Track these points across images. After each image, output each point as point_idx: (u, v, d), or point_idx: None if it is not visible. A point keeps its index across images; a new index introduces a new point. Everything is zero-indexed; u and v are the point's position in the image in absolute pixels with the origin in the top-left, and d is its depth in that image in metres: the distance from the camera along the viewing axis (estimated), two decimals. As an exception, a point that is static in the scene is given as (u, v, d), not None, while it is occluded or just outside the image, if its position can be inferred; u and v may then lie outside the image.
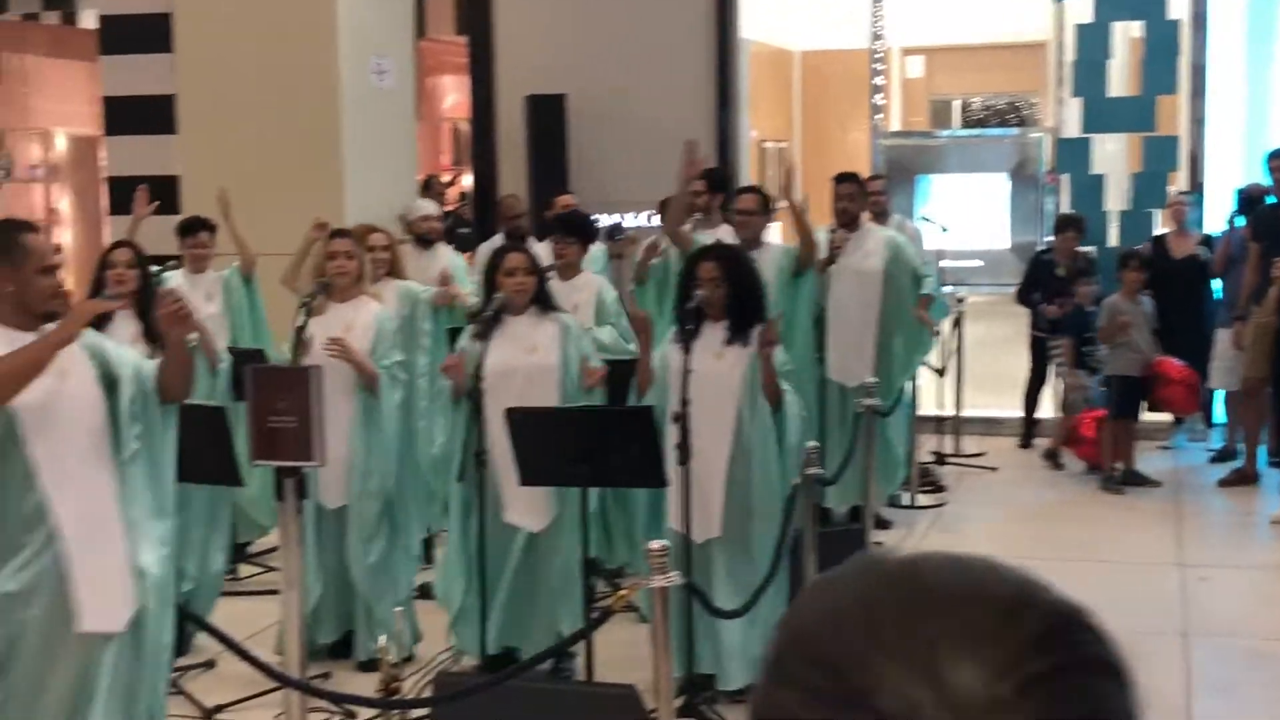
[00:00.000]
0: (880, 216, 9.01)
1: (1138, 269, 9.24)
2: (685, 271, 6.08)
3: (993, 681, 0.85)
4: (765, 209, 7.77)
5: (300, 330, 6.01)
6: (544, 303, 6.11)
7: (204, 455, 5.66)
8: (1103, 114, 10.98)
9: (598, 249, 9.14)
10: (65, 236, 14.61)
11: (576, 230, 7.97)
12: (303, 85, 8.91)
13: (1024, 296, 10.22)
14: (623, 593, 4.58)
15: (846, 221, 8.39)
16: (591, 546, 5.72)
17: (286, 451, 5.11)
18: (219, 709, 5.88)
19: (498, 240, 9.65)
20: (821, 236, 8.23)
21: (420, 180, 12.15)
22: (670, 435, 5.50)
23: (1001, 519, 8.84)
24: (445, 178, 15.02)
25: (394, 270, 7.49)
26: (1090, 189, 10.97)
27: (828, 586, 0.96)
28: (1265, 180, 9.74)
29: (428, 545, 7.38)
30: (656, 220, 9.91)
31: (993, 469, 9.97)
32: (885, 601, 0.90)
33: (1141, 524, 8.56)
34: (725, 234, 8.11)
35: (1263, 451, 9.33)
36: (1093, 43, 10.90)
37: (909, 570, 0.93)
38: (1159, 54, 10.84)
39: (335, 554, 6.37)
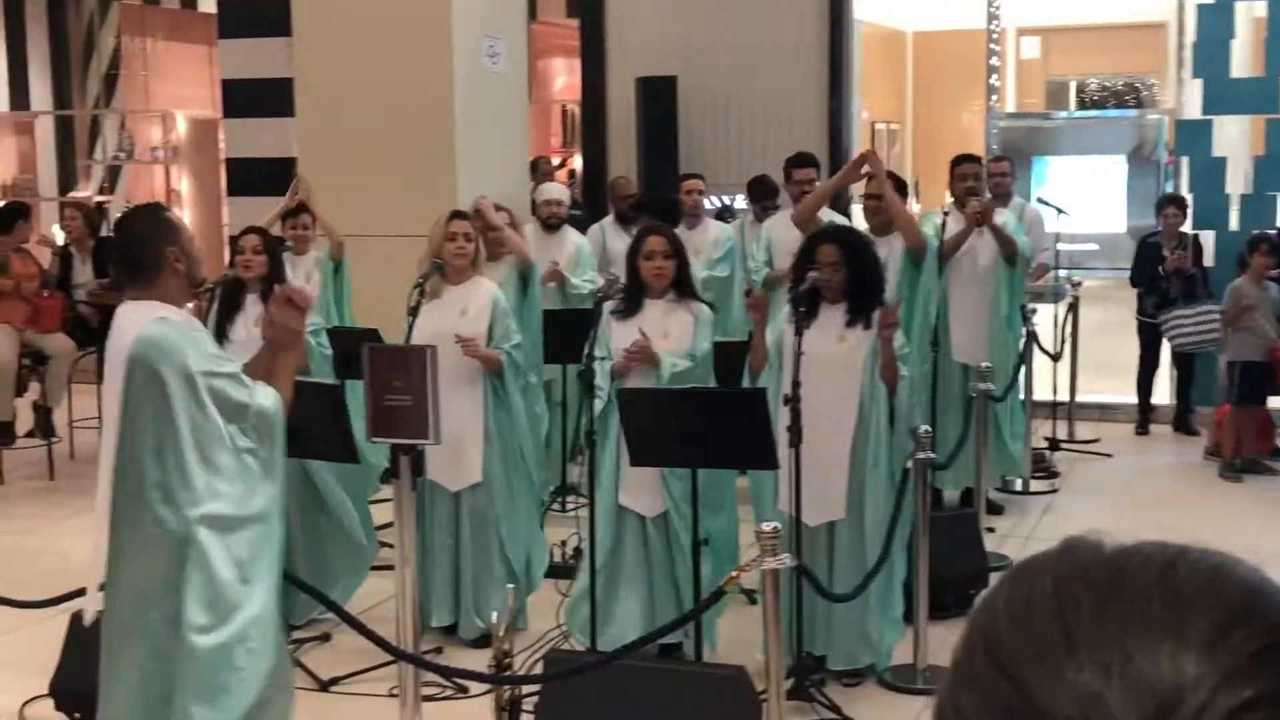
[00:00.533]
0: (1003, 199, 8.90)
1: (1265, 253, 9.08)
2: (802, 253, 6.02)
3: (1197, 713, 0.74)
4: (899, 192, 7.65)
5: (414, 310, 6.09)
6: (683, 288, 6.06)
7: (320, 432, 5.75)
8: (1225, 95, 10.77)
9: (724, 233, 9.18)
10: (185, 216, 14.85)
11: (664, 211, 8.00)
12: (417, 68, 8.98)
13: (1135, 280, 10.10)
14: (734, 575, 4.59)
15: (966, 203, 8.31)
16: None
17: (402, 429, 5.18)
18: (334, 681, 6.00)
19: (608, 221, 9.71)
20: (936, 220, 8.16)
21: (529, 162, 12.21)
22: (782, 417, 5.49)
23: (1115, 506, 8.71)
24: (555, 159, 15.06)
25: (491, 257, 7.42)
26: (1211, 172, 10.76)
27: (1024, 578, 0.85)
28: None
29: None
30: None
31: (1107, 455, 9.85)
32: (1082, 603, 0.80)
33: (1262, 512, 8.41)
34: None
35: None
36: (1215, 22, 10.69)
37: (1113, 566, 0.83)
38: (1285, 33, 10.61)
39: (452, 536, 6.45)
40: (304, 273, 8.05)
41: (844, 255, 5.84)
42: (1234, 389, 8.97)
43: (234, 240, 6.94)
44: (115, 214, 14.40)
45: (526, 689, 5.17)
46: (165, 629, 4.15)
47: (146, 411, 4.09)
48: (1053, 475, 9.39)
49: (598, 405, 5.81)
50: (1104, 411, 10.66)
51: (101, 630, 4.29)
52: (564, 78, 16.49)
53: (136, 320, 4.14)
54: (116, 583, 4.23)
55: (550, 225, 8.80)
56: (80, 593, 5.48)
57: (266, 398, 4.22)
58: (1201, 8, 10.78)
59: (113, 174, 15.70)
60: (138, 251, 4.22)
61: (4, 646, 6.31)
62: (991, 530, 7.86)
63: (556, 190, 9.28)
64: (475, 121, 9.14)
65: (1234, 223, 10.63)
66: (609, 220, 9.73)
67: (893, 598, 5.97)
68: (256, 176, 12.61)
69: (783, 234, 8.15)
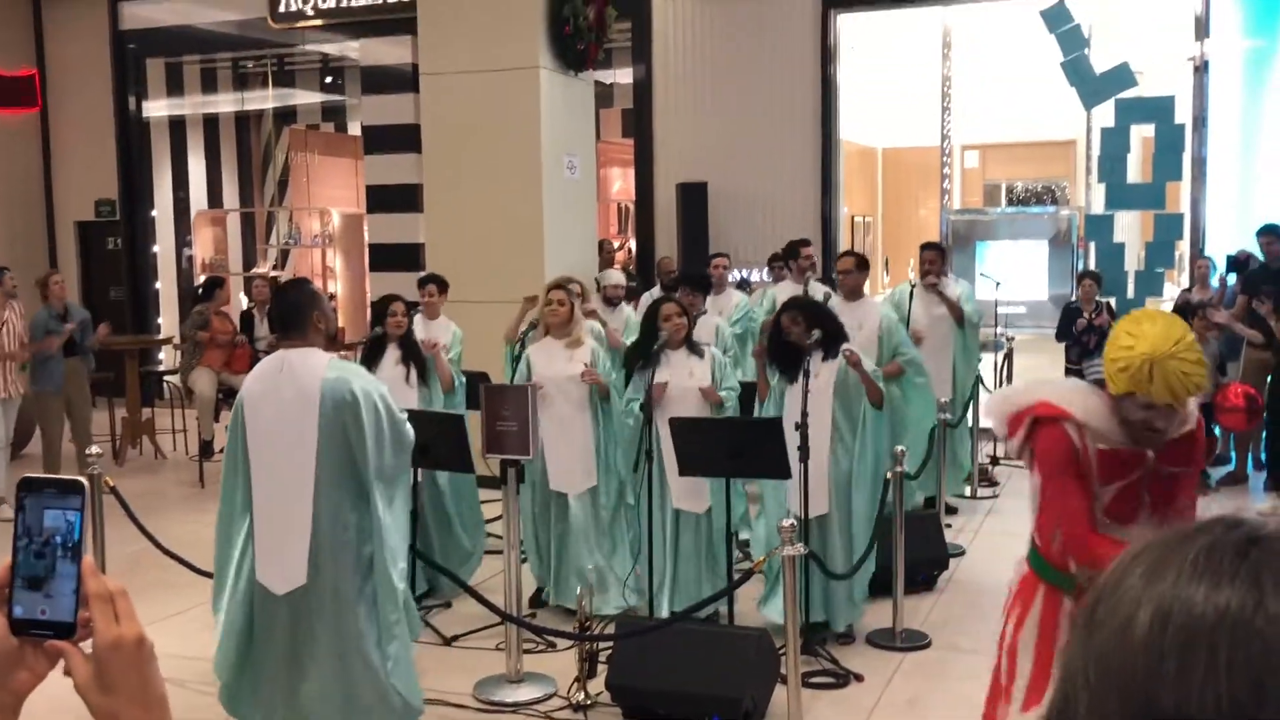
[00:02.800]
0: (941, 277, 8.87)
1: (1202, 318, 8.93)
2: (775, 324, 6.02)
3: None
4: (860, 268, 7.59)
5: (516, 359, 6.12)
6: (691, 340, 6.11)
7: (448, 450, 5.78)
8: (1122, 196, 10.72)
9: (739, 299, 9.14)
10: (338, 287, 15.00)
11: (694, 283, 8.00)
12: (516, 177, 9.05)
13: (1060, 336, 10.02)
14: (761, 560, 4.57)
15: (930, 277, 8.29)
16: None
17: (509, 447, 5.20)
18: (456, 638, 6.00)
19: (656, 290, 9.71)
20: (905, 290, 8.16)
21: (596, 244, 12.26)
22: (793, 439, 5.47)
23: (1043, 508, 8.62)
24: (616, 243, 15.12)
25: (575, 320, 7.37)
26: (1112, 254, 10.71)
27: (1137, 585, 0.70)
28: (1252, 247, 9.43)
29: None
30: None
31: (1035, 469, 9.75)
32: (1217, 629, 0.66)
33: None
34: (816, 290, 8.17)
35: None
36: (1114, 140, 10.65)
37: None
38: (1167, 149, 10.56)
39: (558, 528, 6.37)
40: (436, 334, 7.93)
41: (804, 316, 5.84)
42: None
43: (375, 305, 6.95)
44: (286, 285, 14.59)
45: (602, 645, 5.16)
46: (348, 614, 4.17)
47: (339, 433, 4.12)
48: (994, 484, 9.31)
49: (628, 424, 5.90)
50: (1032, 435, 10.56)
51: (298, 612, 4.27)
52: (619, 182, 16.57)
53: (311, 363, 4.15)
54: (318, 575, 4.18)
55: (611, 302, 8.70)
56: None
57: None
58: (1104, 130, 10.75)
59: (283, 255, 15.86)
60: (293, 313, 4.24)
61: (203, 612, 6.32)
62: (949, 526, 7.80)
63: (617, 276, 9.16)
64: (557, 216, 9.19)
65: (1130, 292, 10.56)
66: (656, 289, 9.74)
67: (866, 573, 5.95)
68: (391, 257, 12.73)
69: (784, 296, 8.27)
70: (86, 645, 0.98)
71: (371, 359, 6.55)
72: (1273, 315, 8.19)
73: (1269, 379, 8.39)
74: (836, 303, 7.06)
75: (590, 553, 6.23)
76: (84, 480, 1.01)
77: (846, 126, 12.39)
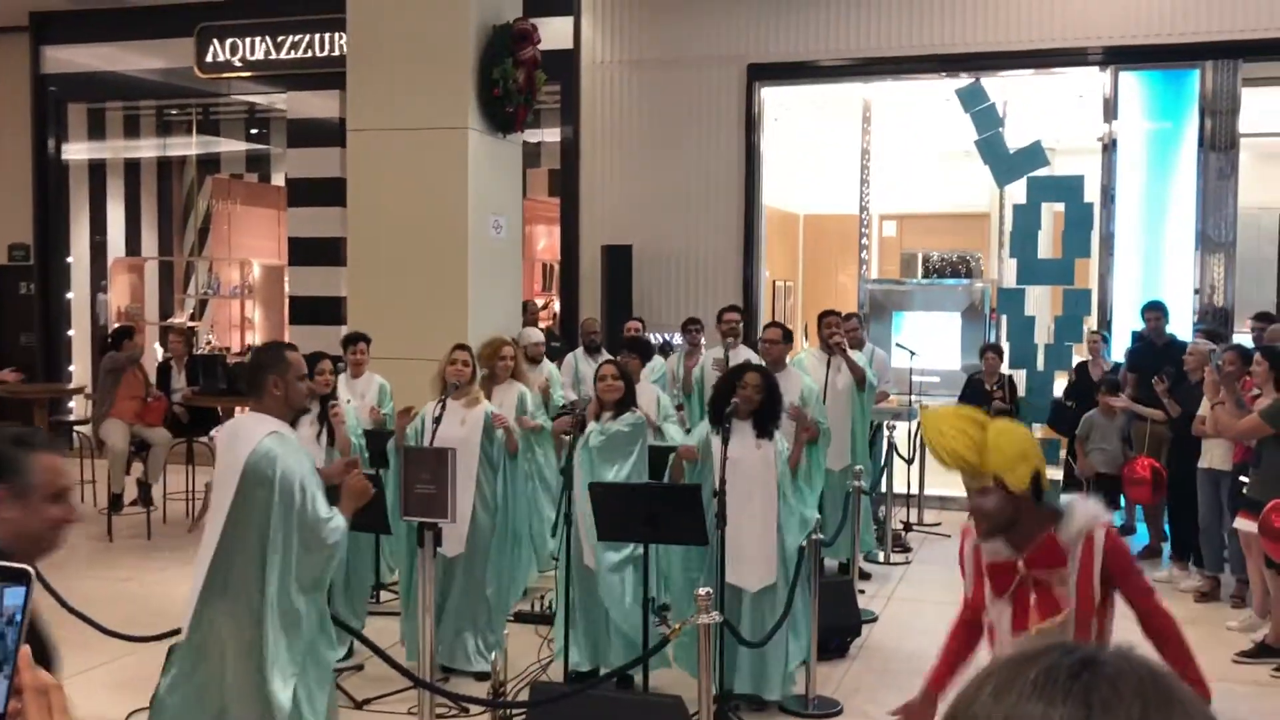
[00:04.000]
0: (858, 345, 9.02)
1: (1113, 393, 9.16)
2: (727, 380, 6.04)
3: None
4: (786, 339, 7.72)
5: (437, 419, 6.09)
6: (625, 403, 6.11)
7: (367, 512, 5.71)
8: (1033, 270, 10.96)
9: (658, 363, 9.17)
10: (255, 339, 14.81)
11: (639, 349, 8.04)
12: (442, 236, 9.04)
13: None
14: (677, 627, 4.59)
15: (831, 347, 8.40)
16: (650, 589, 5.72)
17: (428, 510, 5.17)
18: (366, 701, 5.91)
19: (579, 352, 9.73)
20: (805, 358, 8.29)
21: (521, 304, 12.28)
22: (713, 507, 5.51)
23: (954, 573, 8.69)
24: (540, 302, 15.14)
25: (515, 374, 7.30)
26: (1023, 327, 10.93)
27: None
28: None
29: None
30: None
31: (947, 535, 9.89)
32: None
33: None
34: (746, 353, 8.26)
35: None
36: (1026, 216, 10.91)
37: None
38: (1076, 226, 10.85)
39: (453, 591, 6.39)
40: (360, 390, 7.91)
41: (764, 382, 5.91)
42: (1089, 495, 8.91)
43: (310, 359, 6.84)
44: (203, 336, 14.35)
45: (515, 711, 5.12)
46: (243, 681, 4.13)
47: (251, 509, 4.06)
48: (907, 550, 9.42)
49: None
50: (944, 502, 10.71)
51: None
52: (544, 240, 16.63)
53: (252, 431, 4.09)
54: (198, 627, 4.17)
55: (533, 359, 8.70)
56: (174, 632, 5.42)
57: (339, 528, 4.14)
58: (1016, 206, 11.04)
59: (202, 305, 15.63)
60: (252, 373, 4.21)
61: (110, 671, 6.18)
62: (863, 592, 7.88)
63: (537, 335, 9.22)
64: (482, 275, 9.20)
65: (1040, 364, 10.80)
66: (580, 351, 9.77)
67: (799, 643, 5.96)
68: (312, 310, 12.63)
69: (708, 366, 8.44)
70: None
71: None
72: (1167, 395, 8.43)
73: (1167, 451, 8.62)
74: None
75: (482, 615, 6.23)
76: (30, 569, 1.00)
77: (769, 191, 12.62)
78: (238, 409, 10.45)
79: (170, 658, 4.34)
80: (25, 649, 0.97)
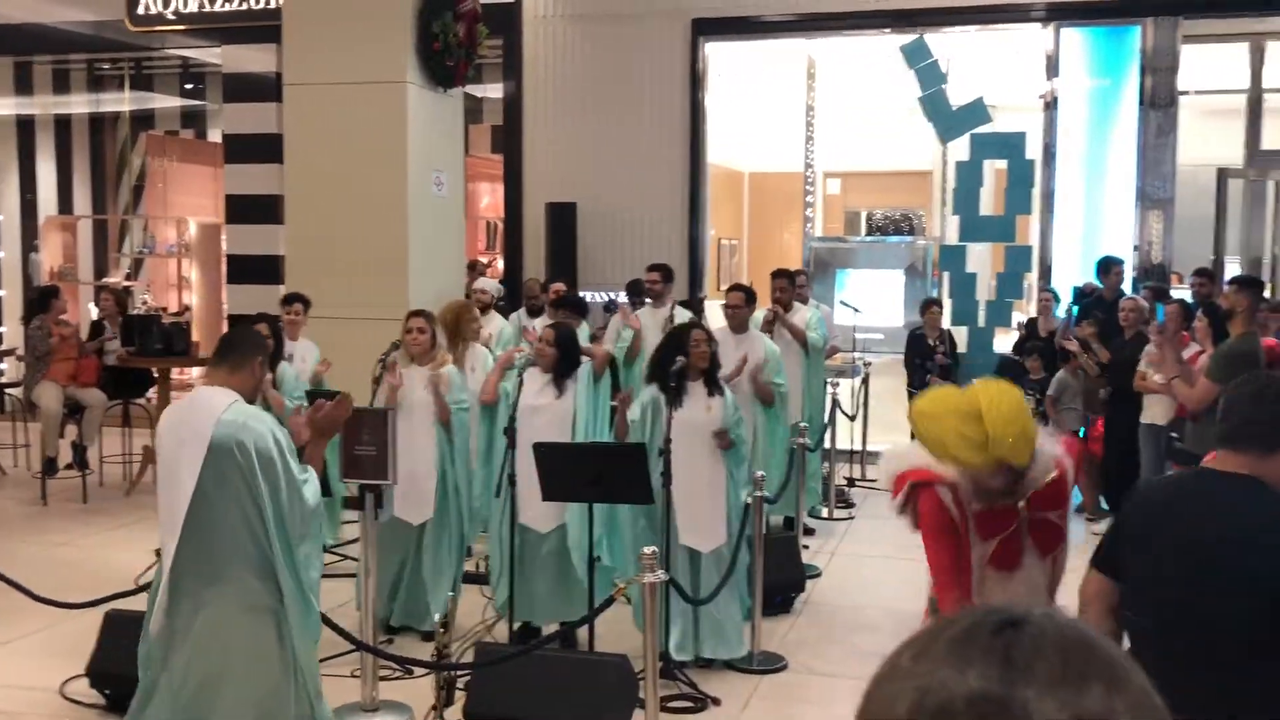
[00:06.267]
0: (803, 301, 9.02)
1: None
2: (673, 338, 6.02)
3: None
4: (749, 302, 7.67)
5: (377, 379, 6.00)
6: (563, 367, 6.02)
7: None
8: (975, 228, 11.06)
9: (615, 323, 9.10)
10: (193, 299, 14.53)
11: (572, 307, 7.99)
12: (380, 191, 8.89)
13: (906, 361, 10.27)
14: (622, 586, 4.56)
15: (783, 305, 8.44)
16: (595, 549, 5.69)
17: (368, 472, 5.09)
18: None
19: (521, 312, 9.64)
20: (759, 315, 8.26)
21: (467, 263, 12.14)
22: (659, 466, 5.49)
23: (897, 529, 8.77)
24: (485, 260, 15.01)
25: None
26: (965, 284, 11.03)
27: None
28: (1095, 280, 9.82)
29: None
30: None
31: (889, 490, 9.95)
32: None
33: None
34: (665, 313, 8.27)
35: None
36: (968, 173, 10.99)
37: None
38: (1018, 183, 10.94)
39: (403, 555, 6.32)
40: (301, 353, 7.76)
41: (709, 337, 5.90)
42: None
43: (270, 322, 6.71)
44: (139, 296, 14.05)
45: (460, 673, 5.08)
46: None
47: (225, 484, 3.80)
48: (850, 506, 9.49)
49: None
50: (887, 458, 10.76)
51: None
52: (488, 198, 16.44)
53: (217, 401, 3.85)
54: (177, 614, 3.88)
55: (481, 308, 8.60)
56: (111, 598, 5.32)
57: (316, 488, 3.94)
58: (959, 163, 11.09)
59: (137, 264, 15.30)
60: (241, 352, 3.99)
61: (45, 638, 6.05)
62: (806, 548, 7.92)
63: (484, 283, 9.21)
64: (424, 233, 9.06)
65: (981, 321, 10.89)
66: (522, 311, 9.68)
67: (742, 602, 5.99)
68: (250, 269, 12.41)
69: (650, 321, 8.41)
70: None
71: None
72: (1094, 338, 8.52)
73: (1105, 406, 8.71)
74: (723, 334, 7.13)
75: (439, 579, 6.17)
76: None
77: (714, 149, 12.55)
78: (175, 371, 10.26)
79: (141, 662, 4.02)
80: None
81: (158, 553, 4.04)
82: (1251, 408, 2.71)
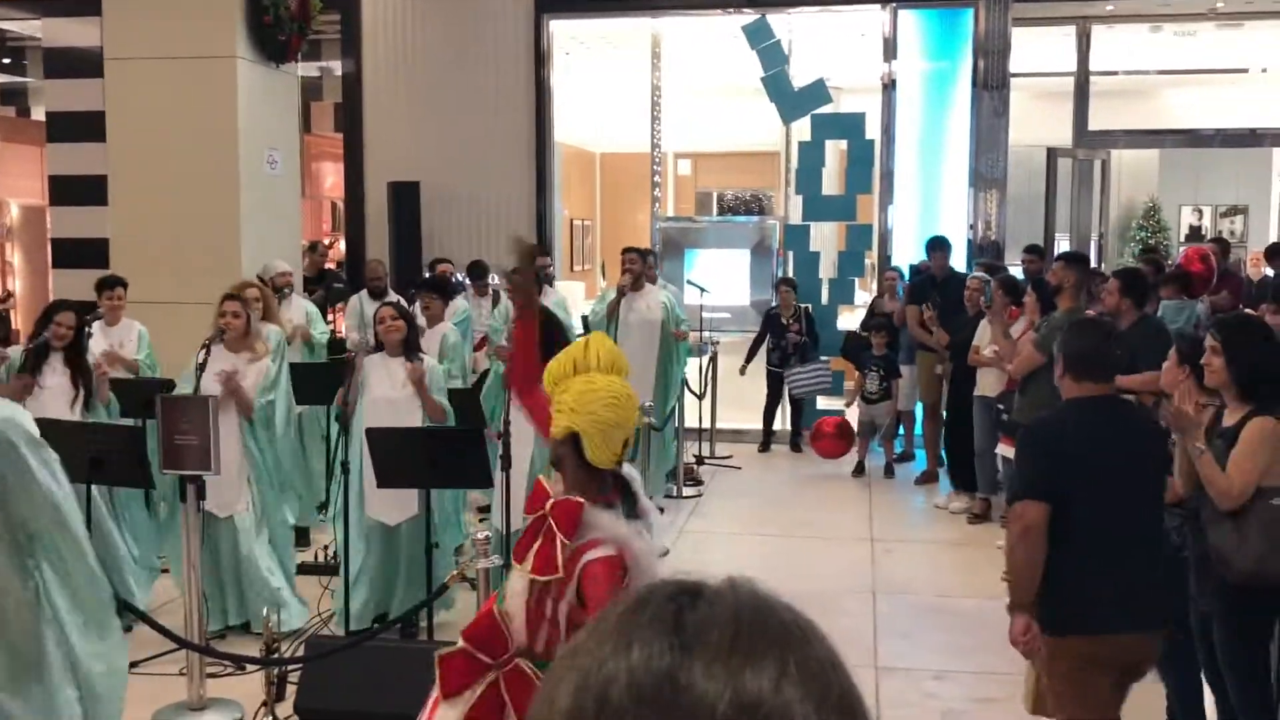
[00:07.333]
0: (651, 281, 9.01)
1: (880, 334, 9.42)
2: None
3: None
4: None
5: (201, 366, 5.75)
6: (409, 343, 5.93)
7: (125, 465, 5.36)
8: (818, 207, 11.21)
9: (460, 305, 8.88)
10: (17, 284, 13.80)
11: (436, 288, 7.83)
12: (209, 170, 8.55)
13: (760, 339, 10.38)
14: (454, 573, 4.47)
15: (633, 282, 8.43)
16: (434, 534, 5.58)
17: (190, 463, 4.88)
18: (134, 664, 5.56)
19: (364, 294, 9.37)
20: (611, 294, 8.23)
21: (306, 243, 11.79)
22: (497, 448, 5.40)
23: (745, 506, 8.90)
24: (328, 241, 14.61)
25: (267, 315, 6.81)
26: (809, 262, 11.18)
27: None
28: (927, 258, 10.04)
29: (303, 533, 7.13)
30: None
31: (738, 468, 10.07)
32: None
33: (844, 508, 8.72)
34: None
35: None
36: (811, 154, 11.13)
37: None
38: (858, 163, 11.13)
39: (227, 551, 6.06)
40: (119, 338, 7.34)
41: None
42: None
43: (44, 311, 6.30)
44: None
45: (292, 666, 4.92)
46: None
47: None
48: (699, 483, 9.53)
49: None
50: (736, 435, 10.88)
51: None
52: (332, 178, 16.04)
53: None
54: None
55: (280, 292, 8.02)
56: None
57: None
58: (802, 144, 11.21)
59: (-46, 248, 14.46)
60: None
61: None
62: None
63: (284, 264, 8.41)
64: (256, 213, 8.75)
65: (825, 299, 11.05)
66: (364, 293, 9.42)
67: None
68: (77, 253, 11.81)
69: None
70: None
71: (34, 368, 5.99)
72: (935, 322, 8.73)
73: (945, 384, 8.92)
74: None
75: (267, 572, 5.96)
76: None
77: (564, 130, 12.43)
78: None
79: None
80: None
81: None
82: (1105, 345, 3.77)
